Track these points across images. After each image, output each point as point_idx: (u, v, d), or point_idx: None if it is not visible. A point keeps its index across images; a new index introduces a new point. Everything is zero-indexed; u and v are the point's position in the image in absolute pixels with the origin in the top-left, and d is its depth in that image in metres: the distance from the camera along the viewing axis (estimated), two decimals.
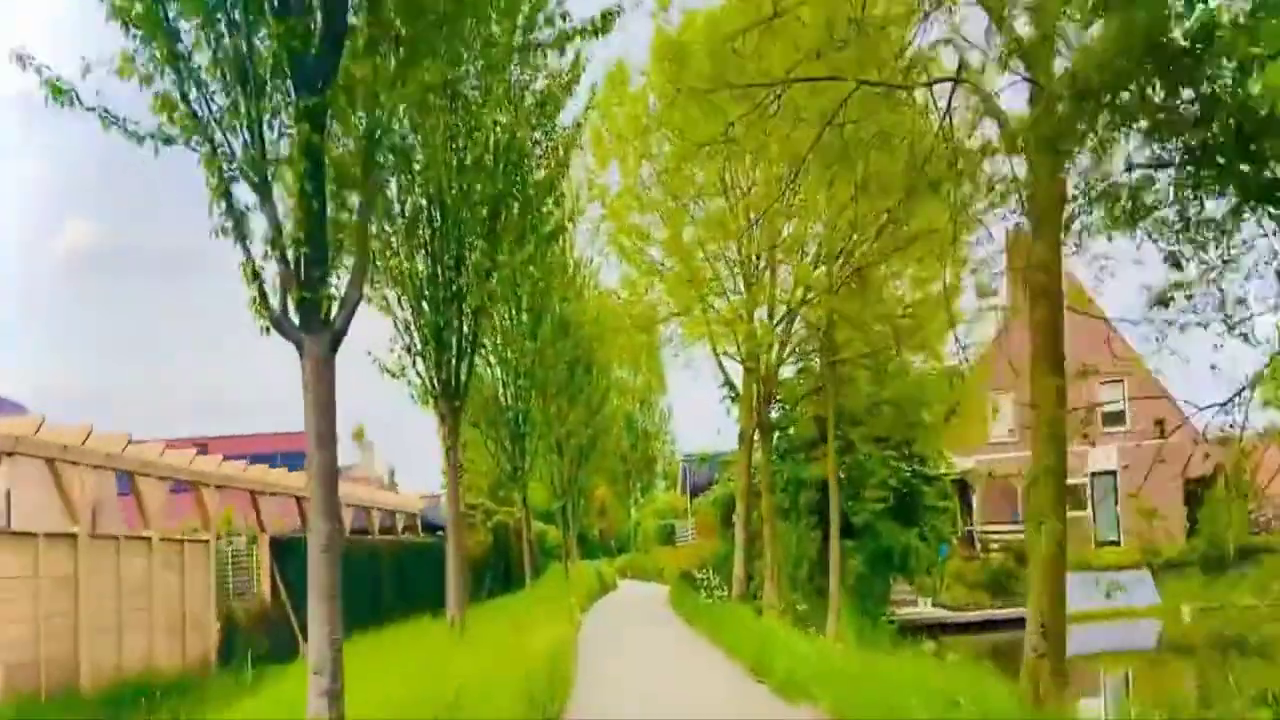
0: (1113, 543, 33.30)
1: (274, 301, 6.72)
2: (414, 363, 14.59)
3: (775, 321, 18.31)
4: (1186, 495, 31.10)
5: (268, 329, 6.77)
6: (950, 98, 9.92)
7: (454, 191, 14.04)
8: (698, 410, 78.67)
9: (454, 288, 14.34)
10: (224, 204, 6.67)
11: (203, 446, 48.18)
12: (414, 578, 21.55)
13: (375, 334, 16.57)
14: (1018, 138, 8.28)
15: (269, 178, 6.64)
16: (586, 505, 62.27)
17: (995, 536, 31.74)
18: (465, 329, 14.63)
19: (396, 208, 14.04)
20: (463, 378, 14.78)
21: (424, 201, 14.16)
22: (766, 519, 20.67)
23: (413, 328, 14.47)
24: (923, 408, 20.41)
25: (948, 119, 9.79)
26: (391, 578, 21.17)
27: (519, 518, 30.31)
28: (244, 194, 6.74)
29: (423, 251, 14.22)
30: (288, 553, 16.68)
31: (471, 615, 20.76)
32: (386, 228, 14.19)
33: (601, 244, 23.99)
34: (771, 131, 11.02)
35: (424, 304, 14.32)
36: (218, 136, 6.57)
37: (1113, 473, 33.99)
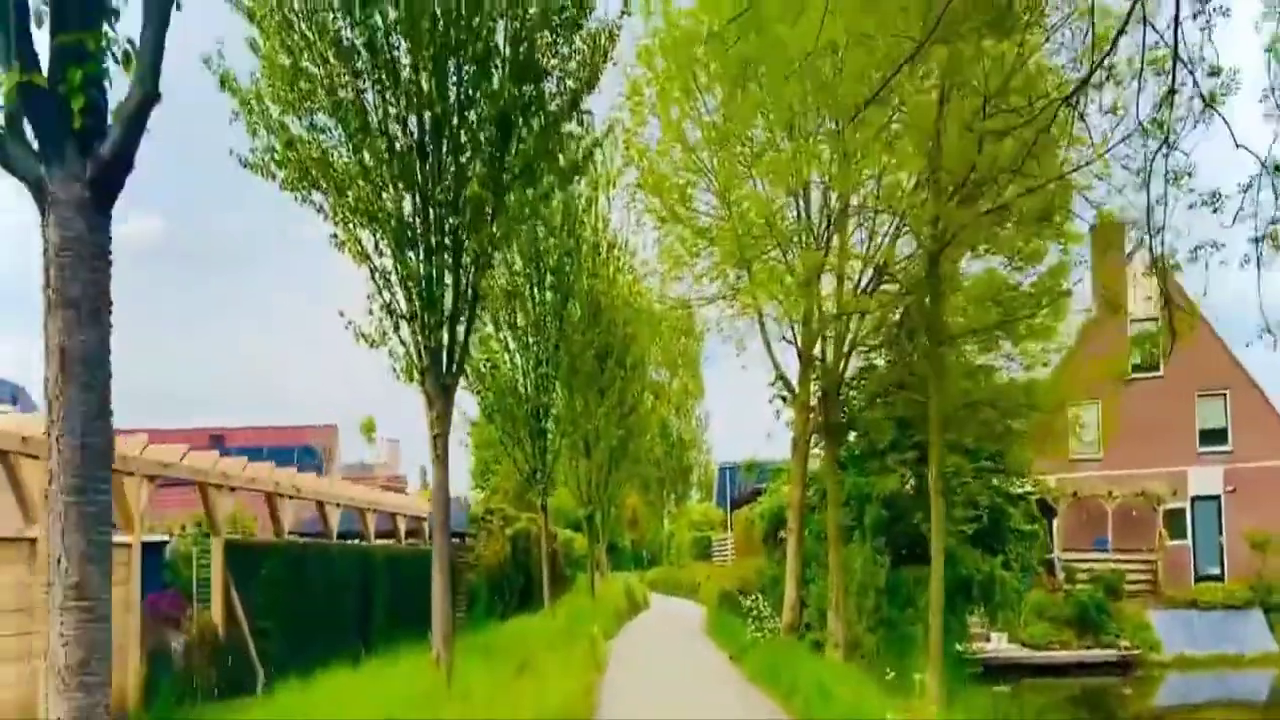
0: (1214, 577, 29.29)
1: None
2: (396, 327, 11.36)
3: (862, 286, 14.68)
4: None
5: None
6: None
7: (448, 105, 10.80)
8: (736, 418, 75.10)
9: (448, 230, 11.10)
10: None
11: (219, 437, 46.07)
12: (413, 592, 18.22)
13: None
14: None
15: None
16: (618, 514, 59.13)
17: (1082, 565, 27.86)
18: (462, 284, 11.38)
19: (374, 124, 10.81)
20: (458, 348, 11.54)
21: (411, 120, 10.92)
22: (831, 539, 17.17)
23: (395, 282, 11.24)
24: (1024, 411, 16.75)
25: None
26: (385, 592, 17.95)
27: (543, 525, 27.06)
28: None
29: (408, 183, 10.98)
30: (246, 561, 13.53)
31: (474, 645, 17.54)
32: (366, 157, 10.97)
33: (638, 213, 20.66)
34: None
35: (409, 251, 11.08)
36: None
37: (1216, 498, 30.00)
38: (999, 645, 25.12)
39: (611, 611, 28.51)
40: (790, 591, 19.54)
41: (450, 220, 10.99)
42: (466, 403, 34.27)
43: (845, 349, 16.08)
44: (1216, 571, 29.62)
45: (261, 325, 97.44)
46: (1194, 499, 30.04)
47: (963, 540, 20.17)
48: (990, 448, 19.54)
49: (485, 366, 21.57)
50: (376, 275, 11.19)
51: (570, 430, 23.89)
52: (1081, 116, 7.42)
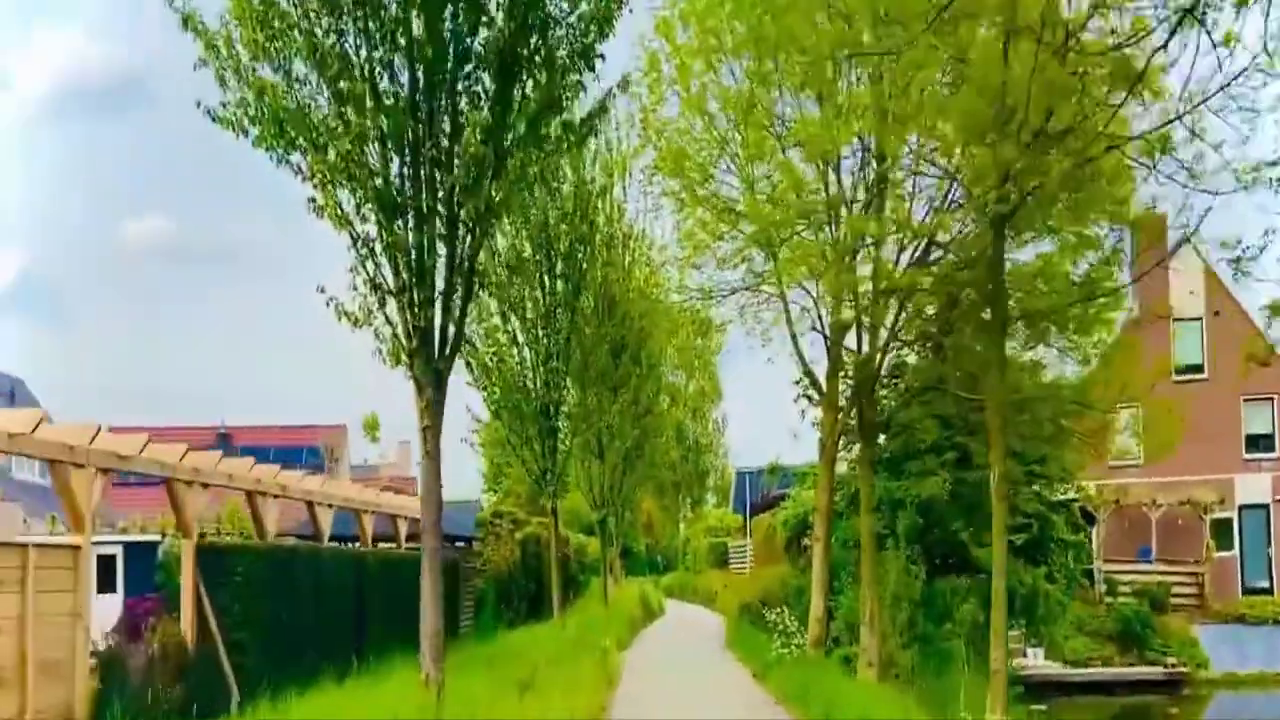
0: (1263, 590, 27.63)
1: None
2: (382, 303, 10.04)
3: (913, 255, 13.09)
4: None
5: None
6: None
7: (442, 50, 9.50)
8: (755, 421, 73.60)
9: (441, 192, 9.79)
10: None
11: (226, 436, 45.01)
12: (412, 600, 16.75)
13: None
14: None
15: None
16: (632, 518, 57.72)
17: (1124, 577, 26.26)
18: (458, 255, 10.07)
19: (357, 70, 9.52)
20: (452, 327, 10.22)
21: (399, 65, 9.62)
22: (865, 547, 15.74)
23: (379, 251, 9.94)
24: (1076, 410, 15.26)
25: None
26: (380, 601, 16.59)
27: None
28: None
29: (396, 137, 9.68)
30: (221, 566, 12.21)
31: (476, 657, 16.23)
32: (348, 113, 9.65)
33: (655, 198, 19.38)
34: None
35: (396, 215, 9.77)
36: None
37: (1264, 506, 28.35)
38: (1036, 661, 23.57)
39: (625, 619, 27.14)
40: (816, 603, 18.14)
41: (444, 180, 9.68)
42: (473, 399, 32.74)
43: (884, 338, 14.64)
44: (1266, 584, 27.97)
45: (274, 325, 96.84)
46: (1241, 508, 28.40)
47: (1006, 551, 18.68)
48: (1040, 450, 18.02)
49: (492, 360, 20.29)
50: (359, 244, 9.88)
51: (582, 429, 22.54)
52: (1209, 32, 6.01)
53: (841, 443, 18.55)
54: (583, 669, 15.08)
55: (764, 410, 76.23)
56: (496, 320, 20.40)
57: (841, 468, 19.61)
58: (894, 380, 18.96)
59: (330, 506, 16.50)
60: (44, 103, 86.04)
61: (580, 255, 20.34)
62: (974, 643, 19.02)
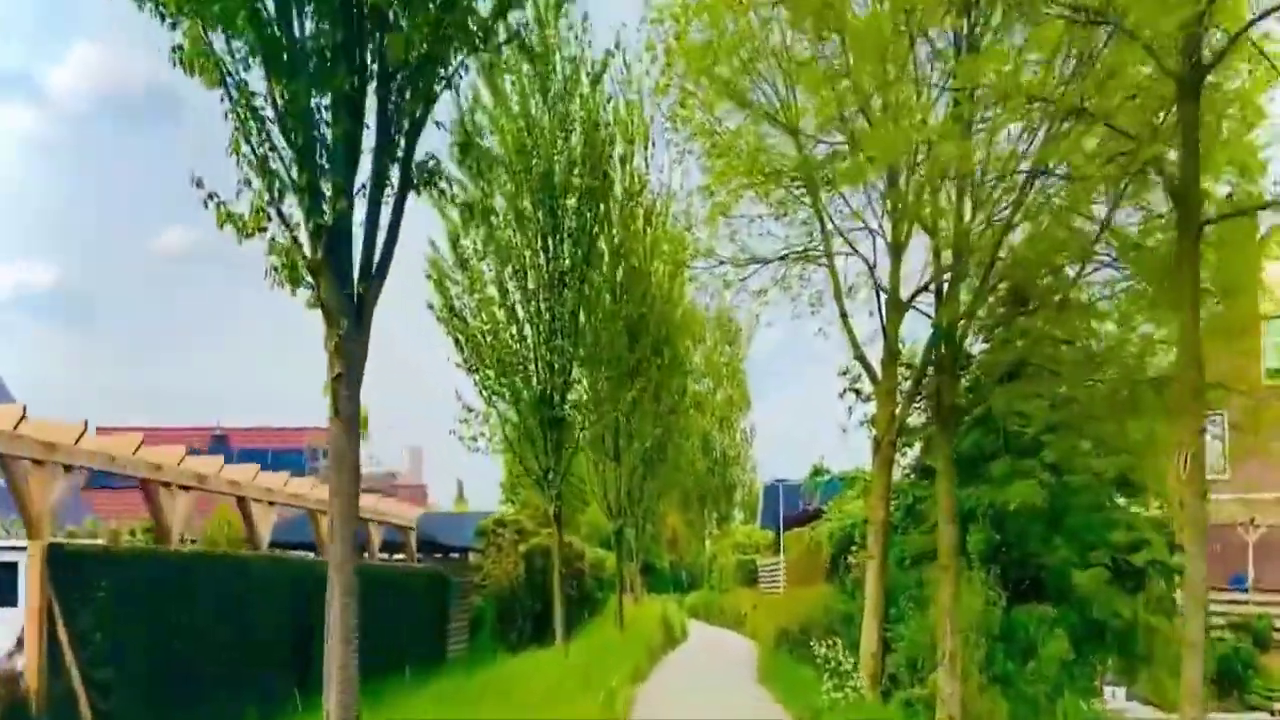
0: None
1: None
2: (278, 197, 6.85)
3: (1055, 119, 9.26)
4: None
5: None
6: None
7: None
8: (784, 432, 70.09)
9: (362, 24, 6.65)
10: None
11: (222, 437, 42.35)
12: (379, 622, 13.53)
13: None
14: None
15: None
16: (655, 531, 54.41)
17: (1218, 609, 22.61)
18: (392, 113, 6.90)
19: None
20: (380, 235, 7.04)
21: None
22: (943, 566, 12.39)
23: (270, 117, 6.77)
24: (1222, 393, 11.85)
25: None
26: None
27: (566, 541, 22.50)
28: None
29: None
30: (83, 578, 9.07)
31: (451, 696, 13.07)
32: None
33: (679, 144, 16.30)
34: None
35: (290, 62, 6.62)
36: None
37: None
38: (1118, 702, 20.04)
39: (642, 645, 23.80)
40: (870, 633, 14.87)
41: (365, 11, 6.53)
42: (463, 384, 29.24)
43: (975, 287, 11.31)
44: None
45: (277, 325, 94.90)
46: None
47: (1108, 577, 15.30)
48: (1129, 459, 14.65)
49: (485, 337, 17.17)
50: (239, 106, 6.72)
51: (593, 421, 19.30)
52: None
53: (899, 443, 15.49)
54: (584, 714, 11.92)
55: (797, 419, 72.84)
56: (492, 290, 17.28)
57: (895, 475, 16.50)
58: (961, 371, 15.80)
59: (271, 505, 13.33)
60: (74, 115, 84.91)
61: (590, 214, 17.17)
62: (1058, 681, 15.68)
